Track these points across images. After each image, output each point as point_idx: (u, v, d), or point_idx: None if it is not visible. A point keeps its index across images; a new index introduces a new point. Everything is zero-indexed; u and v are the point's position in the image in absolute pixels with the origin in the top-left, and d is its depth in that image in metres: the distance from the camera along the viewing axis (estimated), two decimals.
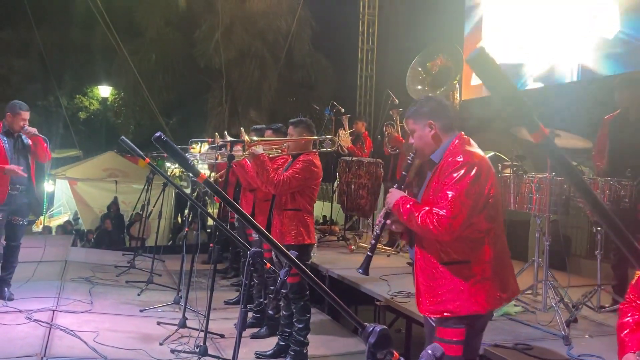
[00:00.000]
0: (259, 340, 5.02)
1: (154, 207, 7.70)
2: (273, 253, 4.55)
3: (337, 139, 6.34)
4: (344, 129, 8.15)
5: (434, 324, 2.72)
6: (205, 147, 6.71)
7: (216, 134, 5.27)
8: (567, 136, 4.44)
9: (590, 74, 6.81)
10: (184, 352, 4.51)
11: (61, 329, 4.73)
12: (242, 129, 4.58)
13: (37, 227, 13.33)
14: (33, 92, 18.68)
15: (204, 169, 6.83)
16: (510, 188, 4.70)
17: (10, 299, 5.39)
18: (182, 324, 4.93)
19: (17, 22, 18.02)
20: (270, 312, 5.18)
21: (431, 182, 2.68)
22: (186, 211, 12.40)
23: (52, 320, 4.95)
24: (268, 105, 16.31)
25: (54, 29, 18.63)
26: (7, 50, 18.81)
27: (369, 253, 2.92)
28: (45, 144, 5.46)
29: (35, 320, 4.88)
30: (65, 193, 15.42)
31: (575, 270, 5.86)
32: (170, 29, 16.45)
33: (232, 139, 4.78)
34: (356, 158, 7.83)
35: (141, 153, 3.46)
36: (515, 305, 4.39)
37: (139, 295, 6.16)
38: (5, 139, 5.33)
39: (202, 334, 4.37)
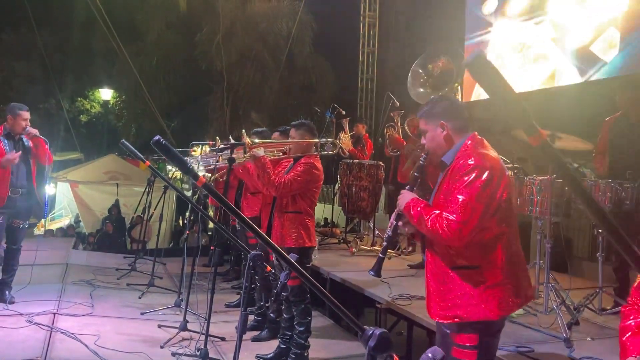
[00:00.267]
0: (260, 343, 5.01)
1: (155, 209, 7.70)
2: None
3: (338, 142, 6.33)
4: (345, 132, 8.15)
5: (447, 330, 2.64)
6: (206, 149, 6.72)
7: (217, 137, 5.27)
8: (569, 138, 4.44)
9: (591, 76, 6.79)
10: (185, 355, 4.51)
11: (62, 332, 4.73)
12: (243, 131, 4.57)
13: (39, 230, 13.33)
14: (34, 94, 18.71)
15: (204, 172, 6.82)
16: None
17: (11, 302, 5.38)
18: (183, 327, 4.92)
19: (19, 24, 18.08)
20: (271, 315, 5.19)
21: (442, 185, 2.62)
22: (187, 214, 12.40)
23: (53, 324, 4.94)
24: (269, 107, 16.33)
25: (55, 32, 18.69)
26: (8, 53, 18.88)
27: (380, 255, 2.86)
28: (46, 146, 5.47)
29: (36, 324, 4.87)
30: (66, 196, 15.45)
31: (576, 272, 5.85)
32: (171, 31, 16.49)
33: (233, 141, 4.78)
34: (357, 160, 7.83)
35: (141, 156, 3.45)
36: None
37: (140, 298, 6.15)
38: (5, 141, 5.34)
39: (203, 337, 4.36)
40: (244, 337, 2.63)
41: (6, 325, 4.81)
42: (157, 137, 1.54)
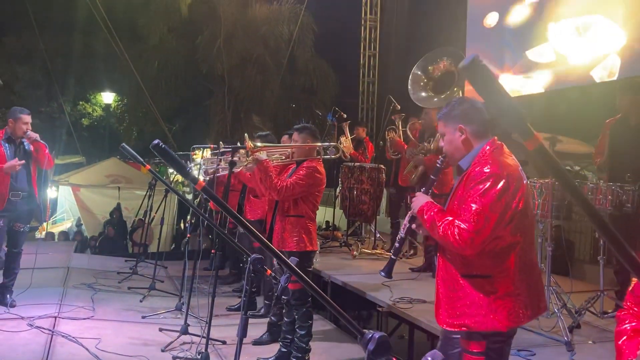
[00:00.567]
0: (261, 346, 5.01)
1: (156, 213, 7.70)
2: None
3: (340, 146, 6.33)
4: (345, 136, 8.15)
5: (455, 336, 2.59)
6: (207, 153, 6.72)
7: (220, 142, 5.28)
8: (569, 141, 4.44)
9: (592, 79, 6.80)
10: (186, 358, 4.51)
11: (63, 336, 4.73)
12: (246, 135, 4.58)
13: (40, 234, 13.34)
14: (36, 98, 18.79)
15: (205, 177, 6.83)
16: None
17: (12, 306, 5.39)
18: (184, 331, 4.92)
19: (21, 29, 18.13)
20: (272, 318, 5.18)
21: (457, 191, 2.55)
22: (188, 217, 12.40)
23: (54, 327, 4.94)
24: (270, 110, 16.34)
25: (57, 36, 18.73)
26: (10, 57, 18.92)
27: (392, 256, 2.85)
28: (46, 150, 5.47)
29: (37, 327, 4.87)
30: (68, 199, 15.46)
31: (578, 275, 5.84)
32: (172, 35, 16.51)
33: (234, 145, 4.79)
34: (358, 164, 7.83)
35: (142, 160, 3.45)
36: None
37: (141, 301, 6.15)
38: (6, 145, 5.35)
39: (204, 341, 4.36)
40: (245, 340, 2.63)
41: (7, 328, 4.82)
42: (156, 141, 1.55)
